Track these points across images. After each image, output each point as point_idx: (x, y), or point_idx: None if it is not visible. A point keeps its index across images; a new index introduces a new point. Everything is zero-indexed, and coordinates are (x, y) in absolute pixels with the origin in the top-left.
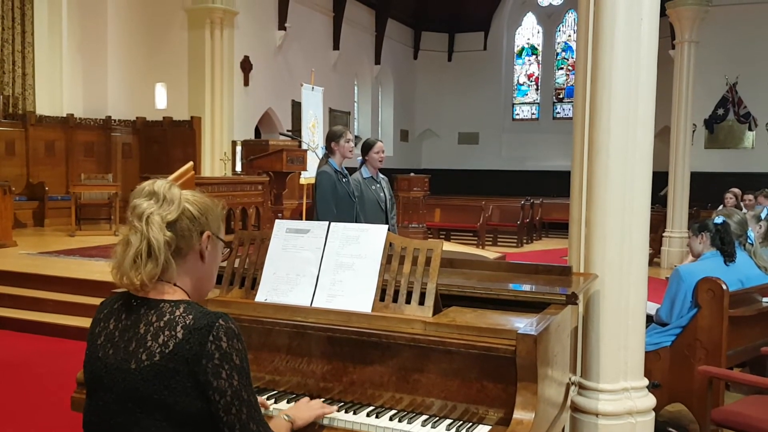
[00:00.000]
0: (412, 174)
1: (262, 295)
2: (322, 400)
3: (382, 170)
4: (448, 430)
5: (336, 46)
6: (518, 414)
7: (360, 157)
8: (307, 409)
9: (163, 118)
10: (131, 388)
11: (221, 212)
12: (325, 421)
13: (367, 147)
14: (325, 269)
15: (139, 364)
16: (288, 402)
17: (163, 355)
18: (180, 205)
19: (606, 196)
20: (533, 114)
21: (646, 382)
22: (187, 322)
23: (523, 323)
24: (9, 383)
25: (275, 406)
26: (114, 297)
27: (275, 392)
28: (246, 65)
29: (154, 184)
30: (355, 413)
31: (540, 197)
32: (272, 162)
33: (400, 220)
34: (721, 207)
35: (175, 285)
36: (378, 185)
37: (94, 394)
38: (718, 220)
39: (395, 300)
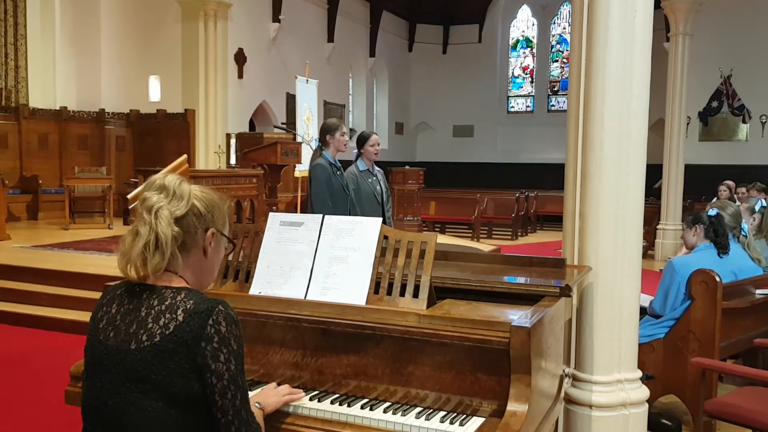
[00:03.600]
0: (407, 167)
1: (256, 288)
2: (316, 392)
3: (378, 163)
4: (442, 422)
5: (330, 39)
6: (512, 406)
7: (355, 150)
8: (275, 394)
9: (157, 110)
10: (129, 368)
11: (227, 209)
12: (319, 414)
13: (362, 140)
14: (319, 262)
15: (139, 344)
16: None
17: (164, 336)
18: (189, 201)
19: (600, 188)
20: (528, 107)
21: (639, 373)
22: (188, 306)
23: (517, 315)
24: (3, 377)
25: None
26: (117, 284)
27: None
28: (240, 58)
29: (165, 178)
30: (349, 405)
31: (535, 190)
32: (267, 155)
33: (395, 213)
34: (715, 199)
35: (177, 275)
36: (374, 178)
37: (92, 375)
38: (712, 212)
39: (389, 293)
